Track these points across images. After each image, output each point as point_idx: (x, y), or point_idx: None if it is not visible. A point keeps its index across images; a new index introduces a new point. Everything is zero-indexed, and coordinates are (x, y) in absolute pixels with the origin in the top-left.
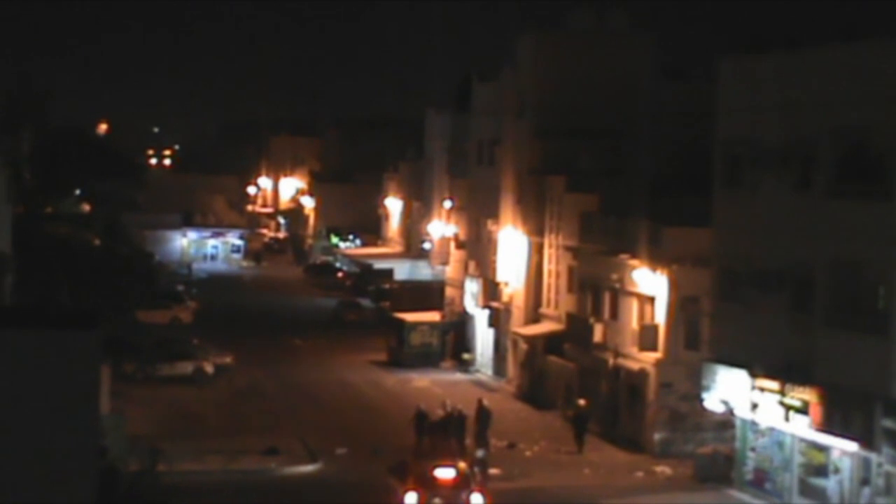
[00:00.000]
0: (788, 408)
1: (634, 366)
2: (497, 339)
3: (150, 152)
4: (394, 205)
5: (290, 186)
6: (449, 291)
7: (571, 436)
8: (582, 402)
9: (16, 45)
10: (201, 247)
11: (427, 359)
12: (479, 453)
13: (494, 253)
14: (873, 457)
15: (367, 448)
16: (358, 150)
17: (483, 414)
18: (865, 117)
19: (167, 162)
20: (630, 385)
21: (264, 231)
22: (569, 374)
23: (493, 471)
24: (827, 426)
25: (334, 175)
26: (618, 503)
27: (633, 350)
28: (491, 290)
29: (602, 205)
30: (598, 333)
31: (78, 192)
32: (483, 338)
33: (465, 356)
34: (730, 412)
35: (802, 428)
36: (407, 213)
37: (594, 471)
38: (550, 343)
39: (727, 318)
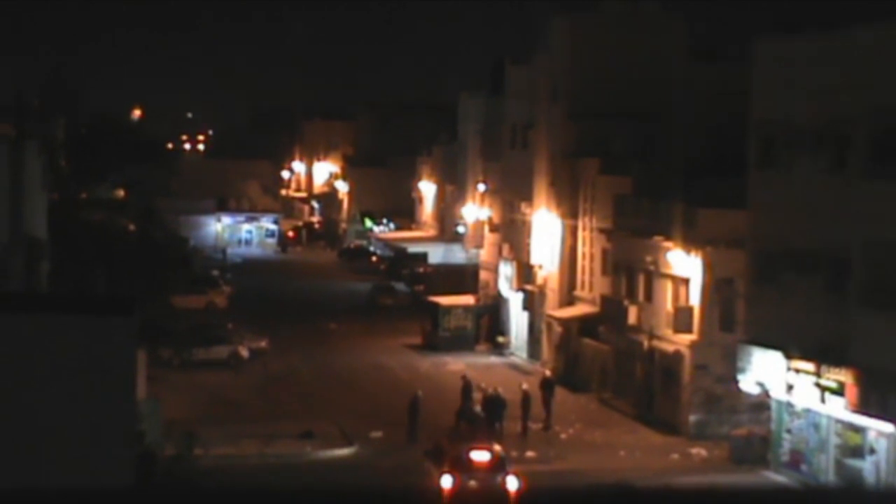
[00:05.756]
0: (824, 389)
1: (669, 348)
2: (531, 322)
3: (184, 138)
4: (427, 188)
5: (324, 171)
6: (483, 275)
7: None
8: (525, 385)
9: (51, 31)
10: (235, 232)
11: (462, 342)
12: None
13: (528, 236)
14: None
15: (403, 431)
16: (391, 134)
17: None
18: None
19: (201, 147)
20: (665, 367)
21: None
22: (603, 356)
23: (528, 453)
24: (863, 407)
25: (368, 159)
26: (653, 485)
27: (668, 332)
28: (525, 273)
29: (636, 187)
30: (632, 316)
31: (112, 177)
32: (517, 321)
33: (500, 339)
34: (765, 394)
35: (838, 409)
36: (441, 197)
37: (630, 453)
38: (585, 325)
39: (762, 299)
